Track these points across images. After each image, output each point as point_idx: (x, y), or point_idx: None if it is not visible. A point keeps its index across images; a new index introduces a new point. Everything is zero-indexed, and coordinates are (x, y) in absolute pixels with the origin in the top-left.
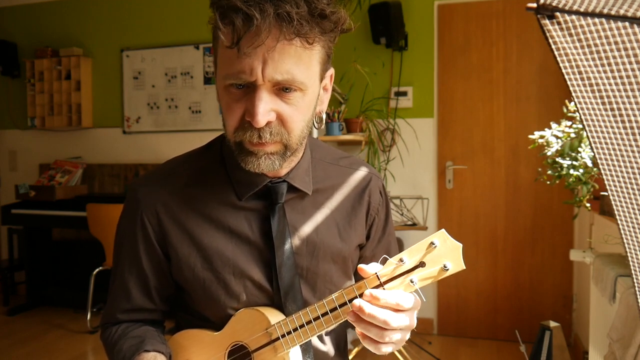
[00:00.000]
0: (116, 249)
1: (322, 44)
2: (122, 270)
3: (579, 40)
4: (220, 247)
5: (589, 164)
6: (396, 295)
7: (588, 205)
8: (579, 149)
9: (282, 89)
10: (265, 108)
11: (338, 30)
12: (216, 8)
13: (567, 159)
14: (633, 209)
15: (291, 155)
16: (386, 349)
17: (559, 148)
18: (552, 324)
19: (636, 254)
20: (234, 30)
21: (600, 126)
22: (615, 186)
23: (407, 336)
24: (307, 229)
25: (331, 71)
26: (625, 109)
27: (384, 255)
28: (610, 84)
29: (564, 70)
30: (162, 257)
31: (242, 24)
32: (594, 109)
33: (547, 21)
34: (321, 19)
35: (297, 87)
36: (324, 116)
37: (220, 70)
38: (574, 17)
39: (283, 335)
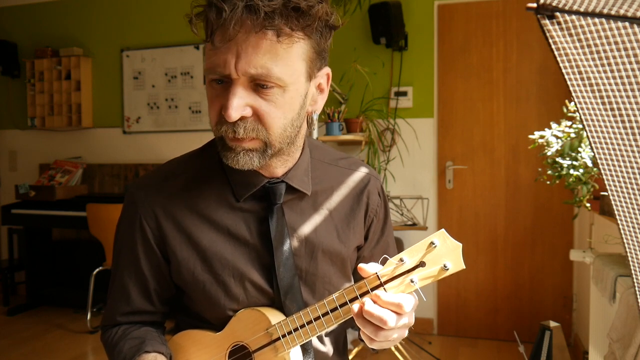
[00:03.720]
0: (115, 252)
1: (302, 39)
2: (122, 273)
3: (579, 40)
4: (219, 249)
5: (589, 164)
6: (399, 298)
7: (588, 205)
8: (579, 149)
9: (259, 85)
10: (239, 103)
11: (317, 25)
12: (195, 4)
13: (567, 159)
14: (633, 209)
15: (276, 154)
16: (383, 345)
17: (559, 148)
18: (552, 324)
19: (636, 254)
20: (207, 24)
21: (600, 126)
22: (615, 186)
23: (406, 333)
24: (305, 230)
25: (326, 70)
26: (625, 109)
27: (384, 255)
28: (610, 84)
29: (564, 70)
30: (161, 260)
31: (215, 18)
32: (594, 109)
33: (547, 21)
34: (295, 12)
35: (274, 83)
36: (315, 117)
37: (204, 66)
38: (574, 17)
39: (284, 335)
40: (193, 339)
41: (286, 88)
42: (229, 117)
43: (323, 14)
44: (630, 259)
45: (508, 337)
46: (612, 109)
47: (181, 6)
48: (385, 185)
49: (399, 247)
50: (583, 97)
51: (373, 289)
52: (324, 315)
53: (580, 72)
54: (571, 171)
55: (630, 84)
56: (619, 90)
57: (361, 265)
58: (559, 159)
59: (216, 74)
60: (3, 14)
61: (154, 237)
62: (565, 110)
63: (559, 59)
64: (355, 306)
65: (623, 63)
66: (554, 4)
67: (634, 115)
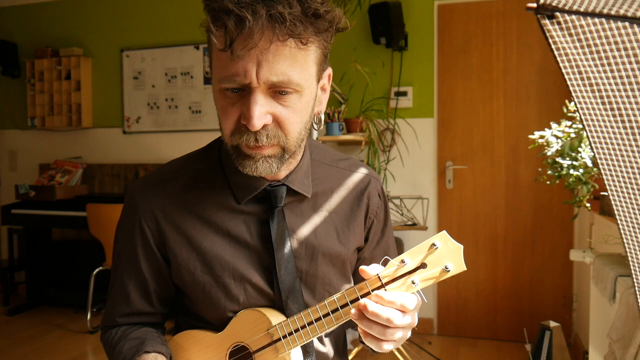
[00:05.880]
0: (115, 254)
1: (318, 44)
2: (121, 275)
3: (579, 40)
4: (219, 251)
5: (589, 164)
6: (401, 296)
7: (588, 205)
8: (579, 149)
9: (278, 92)
10: (261, 111)
11: (333, 30)
12: (208, 11)
13: (567, 159)
14: (633, 209)
15: (290, 158)
16: (387, 346)
17: (559, 148)
18: (552, 324)
19: (636, 254)
20: (226, 32)
21: (600, 126)
22: (615, 186)
23: (409, 334)
24: (306, 232)
25: (329, 71)
26: (625, 109)
27: (386, 257)
28: (610, 84)
29: (564, 70)
30: (161, 261)
31: (235, 26)
32: (594, 109)
33: (547, 21)
34: (315, 19)
35: (293, 88)
36: (323, 117)
37: (215, 74)
38: (574, 17)
39: (284, 336)
40: (194, 339)
41: (302, 93)
42: (253, 127)
43: (338, 19)
44: (630, 259)
45: (508, 337)
46: (612, 109)
47: (181, 6)
48: (385, 185)
49: (399, 247)
50: (583, 97)
51: (374, 290)
52: (325, 316)
53: (580, 72)
54: (571, 171)
55: (630, 84)
56: (619, 90)
57: (362, 267)
58: (559, 159)
59: (235, 83)
60: (3, 14)
61: (154, 238)
62: (565, 110)
63: (559, 59)
64: (354, 311)
65: (623, 63)
66: (554, 4)
67: (634, 115)
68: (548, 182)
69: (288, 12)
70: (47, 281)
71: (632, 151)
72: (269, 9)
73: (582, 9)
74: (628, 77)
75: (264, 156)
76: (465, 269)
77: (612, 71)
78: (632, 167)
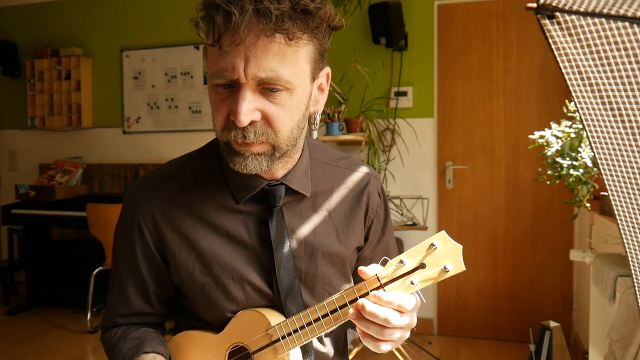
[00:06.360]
0: (114, 254)
1: (309, 41)
2: (121, 275)
3: (579, 40)
4: (218, 251)
5: (589, 164)
6: (399, 297)
7: (588, 205)
8: (579, 149)
9: (268, 89)
10: (249, 107)
11: (324, 27)
12: (201, 7)
13: (567, 159)
14: (633, 209)
15: (282, 157)
16: (385, 347)
17: (559, 148)
18: (552, 324)
19: (636, 254)
20: (214, 28)
21: (600, 126)
22: (615, 186)
23: (407, 335)
24: (305, 231)
25: (327, 70)
26: (625, 109)
27: (384, 257)
28: (610, 84)
29: (564, 70)
30: (160, 262)
31: (222, 21)
32: (594, 109)
33: (547, 21)
34: (304, 15)
35: (283, 86)
36: (319, 117)
37: (208, 70)
38: (574, 17)
39: (283, 337)
40: (193, 339)
41: (293, 91)
42: (240, 123)
43: (330, 16)
44: (630, 259)
45: (508, 337)
46: (612, 109)
47: (181, 6)
48: (385, 185)
49: (399, 247)
50: (583, 97)
51: (373, 290)
52: (323, 316)
53: (580, 72)
54: (571, 171)
55: (630, 84)
56: (619, 90)
57: (361, 267)
58: (559, 159)
59: (224, 78)
60: (3, 14)
61: (153, 239)
62: (565, 110)
63: (559, 59)
64: (352, 311)
65: (623, 63)
66: (554, 4)
67: (634, 115)
68: (548, 182)
69: (275, 7)
70: (47, 281)
71: (632, 151)
72: (256, 4)
73: (582, 9)
74: (628, 77)
75: (253, 153)
76: (465, 269)
77: (612, 71)
78: (632, 167)
